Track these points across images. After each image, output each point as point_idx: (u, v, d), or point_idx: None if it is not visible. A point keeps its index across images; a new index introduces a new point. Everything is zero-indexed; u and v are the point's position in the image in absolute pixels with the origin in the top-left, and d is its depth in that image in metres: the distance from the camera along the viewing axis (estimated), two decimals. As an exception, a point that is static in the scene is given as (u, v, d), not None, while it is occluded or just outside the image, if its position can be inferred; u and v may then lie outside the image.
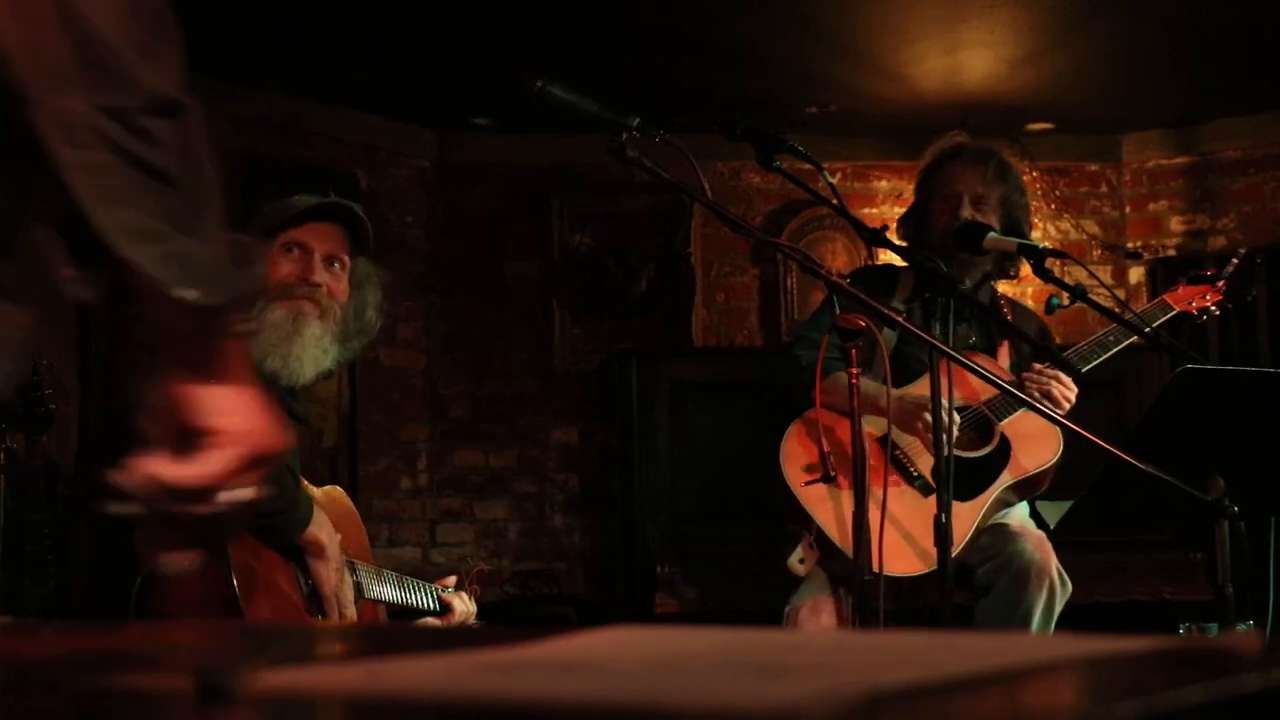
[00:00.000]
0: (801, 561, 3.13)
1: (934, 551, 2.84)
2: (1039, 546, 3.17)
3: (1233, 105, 5.96)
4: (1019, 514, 3.38)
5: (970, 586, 3.22)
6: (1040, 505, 3.82)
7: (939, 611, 2.73)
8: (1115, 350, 3.35)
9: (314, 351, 2.52)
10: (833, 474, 3.04)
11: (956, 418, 3.17)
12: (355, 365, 5.31)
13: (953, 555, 2.82)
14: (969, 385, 3.23)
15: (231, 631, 1.07)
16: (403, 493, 5.84)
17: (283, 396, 2.47)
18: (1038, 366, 3.31)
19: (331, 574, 2.45)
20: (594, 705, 0.54)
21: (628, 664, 0.65)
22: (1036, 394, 3.19)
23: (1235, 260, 3.58)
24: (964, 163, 3.50)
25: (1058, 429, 3.19)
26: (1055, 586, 3.14)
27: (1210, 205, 6.23)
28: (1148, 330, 3.05)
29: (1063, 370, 3.23)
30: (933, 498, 3.16)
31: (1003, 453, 3.29)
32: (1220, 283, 3.46)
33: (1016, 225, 3.44)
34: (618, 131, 2.27)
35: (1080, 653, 0.63)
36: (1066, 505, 2.83)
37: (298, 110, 5.47)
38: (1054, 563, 3.16)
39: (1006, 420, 3.28)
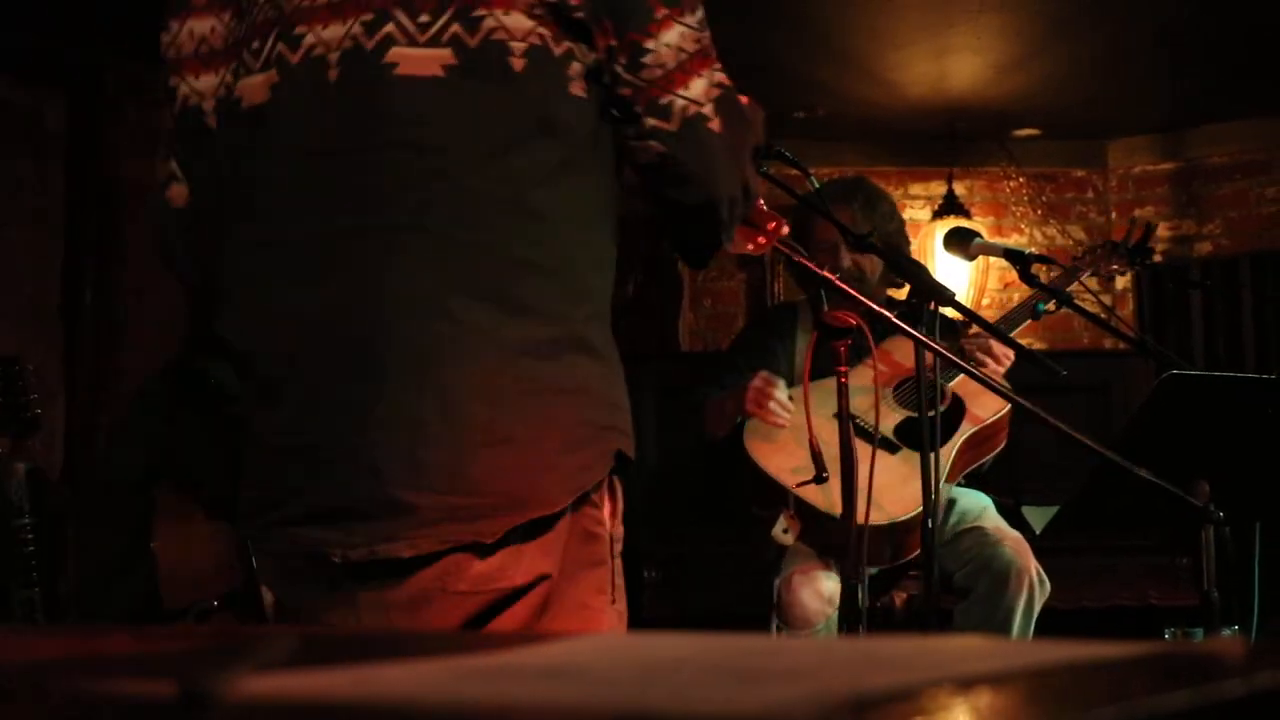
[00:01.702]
0: (785, 531, 3.16)
1: (909, 499, 3.03)
2: (1017, 548, 3.23)
3: (1219, 111, 5.98)
4: (995, 517, 3.41)
5: (950, 589, 3.25)
6: (1026, 510, 3.84)
7: (924, 614, 2.74)
8: (1035, 317, 3.40)
9: None
10: (825, 475, 3.05)
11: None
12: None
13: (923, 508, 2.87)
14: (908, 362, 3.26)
15: (218, 636, 1.06)
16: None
17: None
18: (972, 331, 3.39)
19: None
20: (579, 711, 0.54)
21: (613, 670, 0.65)
22: (979, 354, 3.32)
23: (1132, 223, 3.67)
24: (829, 206, 3.48)
25: (1005, 384, 3.27)
26: (1035, 587, 3.19)
27: (1196, 211, 6.25)
28: (1069, 295, 3.08)
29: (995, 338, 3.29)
30: (900, 454, 3.23)
31: (957, 409, 3.35)
32: (1126, 245, 3.52)
33: (896, 250, 3.48)
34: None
35: (1065, 658, 0.63)
36: (1053, 510, 2.85)
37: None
38: (1033, 563, 3.21)
39: (955, 381, 3.34)
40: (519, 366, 1.45)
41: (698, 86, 1.53)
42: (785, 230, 1.94)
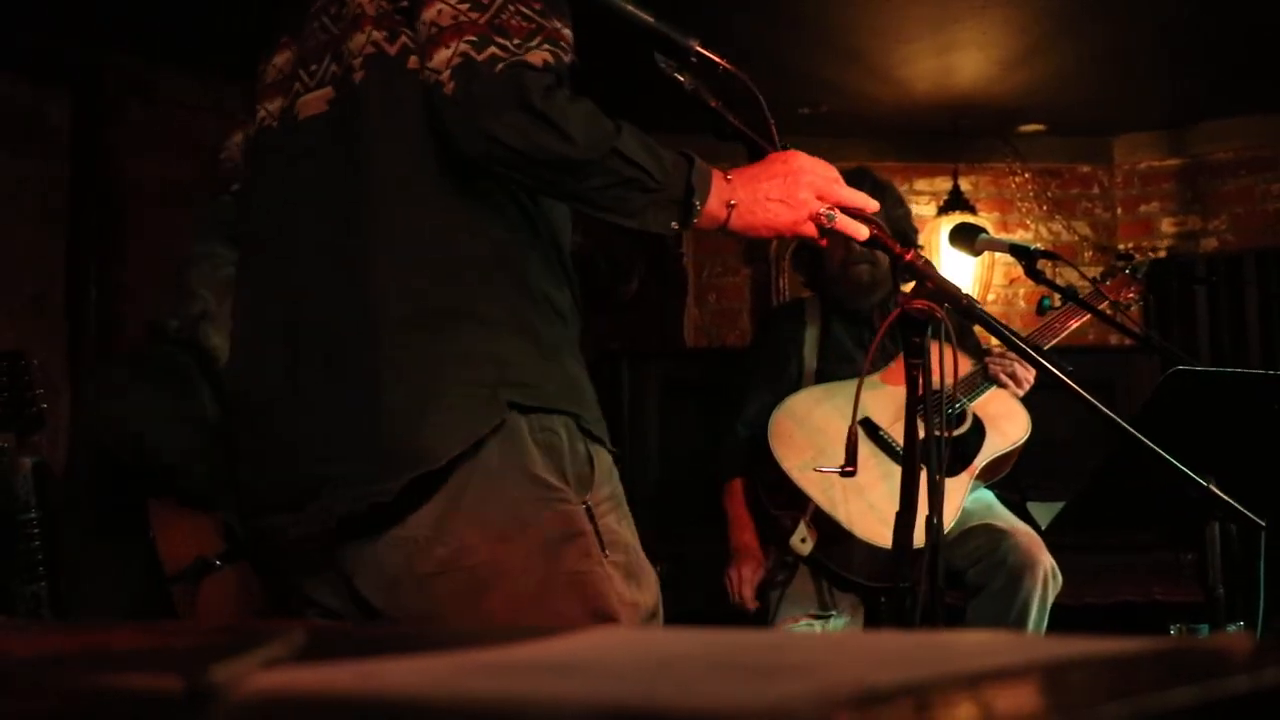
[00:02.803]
0: (804, 541, 3.17)
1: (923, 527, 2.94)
2: (1030, 542, 3.21)
3: (1223, 107, 5.97)
4: (1004, 513, 3.40)
5: (959, 585, 3.24)
6: (1032, 506, 3.83)
7: (930, 610, 2.72)
8: (1064, 334, 3.41)
9: None
10: (851, 469, 3.04)
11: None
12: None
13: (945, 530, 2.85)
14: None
15: (222, 631, 1.07)
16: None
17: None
18: (997, 351, 3.40)
19: None
20: (586, 707, 0.54)
21: (619, 665, 0.65)
22: (1004, 376, 3.34)
23: (1141, 255, 3.67)
24: None
25: (1025, 411, 3.38)
26: (1049, 579, 3.18)
27: (1201, 207, 6.24)
28: (1074, 290, 3.09)
29: (1025, 350, 3.28)
30: (923, 473, 3.20)
31: (978, 431, 3.34)
32: (1139, 275, 3.54)
33: (906, 236, 3.49)
34: (677, 55, 2.05)
35: (1070, 653, 0.63)
36: (1058, 506, 2.84)
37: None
38: (1046, 556, 3.19)
39: (976, 402, 3.35)
40: (407, 341, 1.63)
41: (439, 57, 1.62)
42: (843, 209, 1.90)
